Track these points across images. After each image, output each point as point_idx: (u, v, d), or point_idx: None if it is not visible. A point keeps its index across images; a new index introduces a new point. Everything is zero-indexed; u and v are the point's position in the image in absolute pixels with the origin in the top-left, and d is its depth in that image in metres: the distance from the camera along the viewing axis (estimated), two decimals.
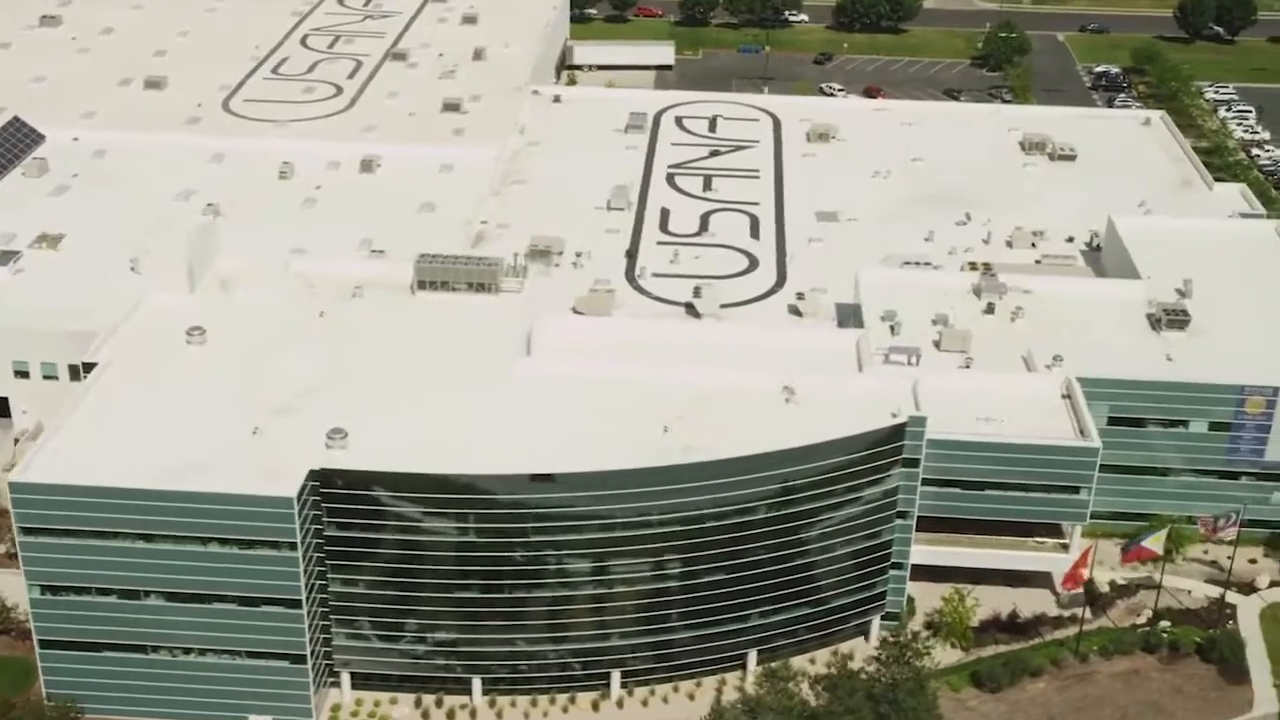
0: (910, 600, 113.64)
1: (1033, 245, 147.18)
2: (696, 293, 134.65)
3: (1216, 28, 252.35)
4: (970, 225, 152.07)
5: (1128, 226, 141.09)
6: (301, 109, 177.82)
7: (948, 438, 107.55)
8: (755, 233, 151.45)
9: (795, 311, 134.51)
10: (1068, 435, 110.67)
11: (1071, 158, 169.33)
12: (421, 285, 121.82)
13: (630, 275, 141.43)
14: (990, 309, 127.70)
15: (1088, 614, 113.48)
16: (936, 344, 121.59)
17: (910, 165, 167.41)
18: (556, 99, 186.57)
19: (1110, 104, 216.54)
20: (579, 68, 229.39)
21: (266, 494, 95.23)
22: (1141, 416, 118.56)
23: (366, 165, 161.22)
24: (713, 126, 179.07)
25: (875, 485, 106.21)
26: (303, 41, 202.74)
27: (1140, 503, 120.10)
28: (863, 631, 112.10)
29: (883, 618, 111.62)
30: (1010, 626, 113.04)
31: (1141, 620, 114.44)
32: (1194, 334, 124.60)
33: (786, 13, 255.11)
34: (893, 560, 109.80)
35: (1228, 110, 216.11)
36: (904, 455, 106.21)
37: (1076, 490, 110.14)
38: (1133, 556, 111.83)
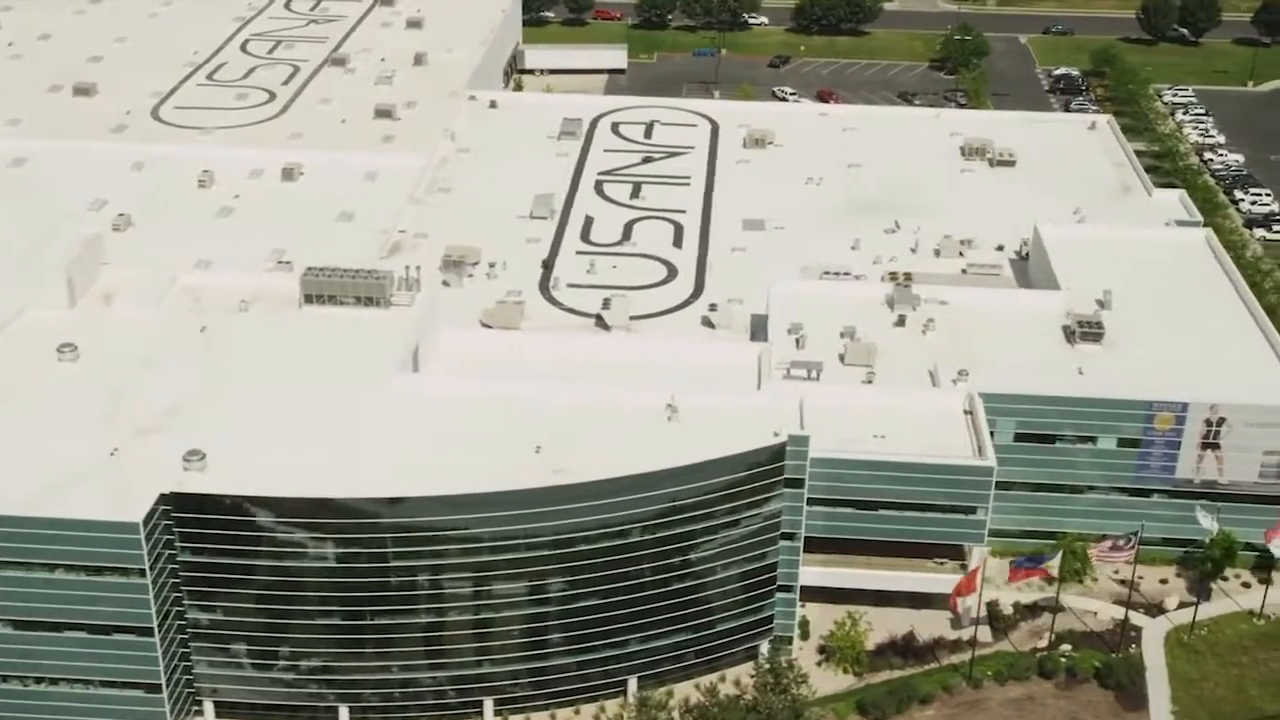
0: (805, 623, 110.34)
1: (960, 254, 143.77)
2: (606, 304, 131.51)
3: (1180, 29, 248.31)
4: (899, 234, 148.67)
5: (1053, 235, 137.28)
6: (232, 115, 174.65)
7: (834, 457, 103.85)
8: (678, 242, 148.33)
9: (708, 324, 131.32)
10: (965, 453, 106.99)
11: (1011, 163, 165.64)
12: (309, 299, 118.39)
13: (544, 286, 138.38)
14: (901, 321, 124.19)
15: (987, 636, 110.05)
16: (842, 358, 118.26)
17: (846, 171, 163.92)
18: (492, 104, 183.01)
19: (1067, 107, 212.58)
20: (530, 72, 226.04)
21: (113, 519, 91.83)
22: (1049, 433, 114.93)
23: (288, 173, 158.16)
24: (649, 132, 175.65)
25: (758, 506, 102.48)
26: (243, 47, 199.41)
27: (1049, 521, 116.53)
28: (751, 656, 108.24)
29: (771, 642, 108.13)
30: (907, 650, 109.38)
31: (1044, 643, 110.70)
32: (1109, 347, 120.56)
33: (745, 15, 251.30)
34: (780, 583, 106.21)
35: (1184, 113, 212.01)
36: (786, 475, 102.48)
37: (973, 510, 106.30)
38: (1021, 575, 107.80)
